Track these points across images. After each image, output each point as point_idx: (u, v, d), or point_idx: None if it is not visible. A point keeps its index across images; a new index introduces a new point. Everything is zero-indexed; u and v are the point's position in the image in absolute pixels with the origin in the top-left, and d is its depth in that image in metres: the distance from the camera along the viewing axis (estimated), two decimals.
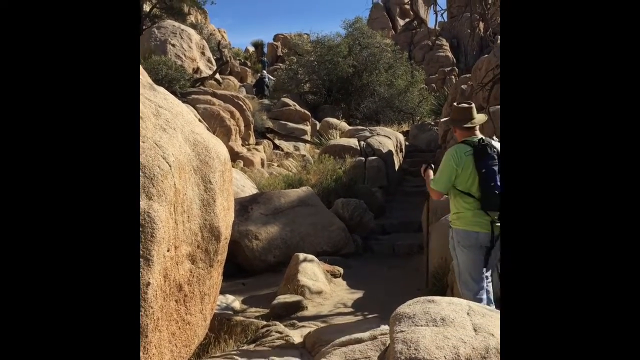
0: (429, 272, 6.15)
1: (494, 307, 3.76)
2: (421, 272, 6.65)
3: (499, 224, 3.77)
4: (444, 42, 34.89)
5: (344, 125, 17.10)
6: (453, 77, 29.81)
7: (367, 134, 12.85)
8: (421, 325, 2.39)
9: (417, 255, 7.80)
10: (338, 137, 14.19)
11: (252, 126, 14.02)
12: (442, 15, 43.67)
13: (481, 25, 35.75)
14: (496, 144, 3.93)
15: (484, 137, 3.92)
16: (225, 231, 2.99)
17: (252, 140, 14.07)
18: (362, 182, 10.66)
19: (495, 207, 3.74)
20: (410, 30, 38.42)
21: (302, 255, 6.25)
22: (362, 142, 12.30)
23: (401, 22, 41.04)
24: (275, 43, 38.68)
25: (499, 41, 23.55)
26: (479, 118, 4.03)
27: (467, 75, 12.52)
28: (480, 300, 3.79)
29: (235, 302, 5.74)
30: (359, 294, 6.19)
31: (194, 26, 25.54)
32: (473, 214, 3.83)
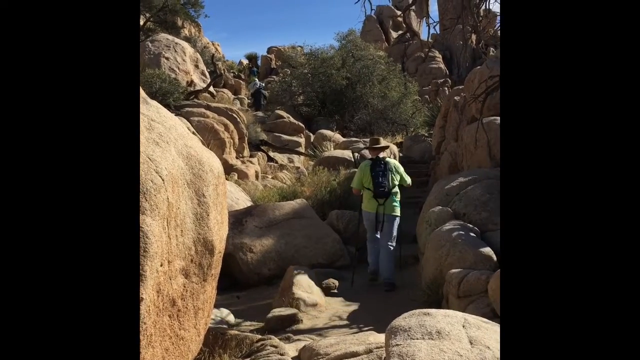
0: (423, 283, 6.14)
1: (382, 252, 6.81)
2: (416, 283, 6.64)
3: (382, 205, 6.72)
4: (437, 54, 35.08)
5: (338, 137, 17.13)
6: (446, 88, 29.94)
7: (361, 145, 12.89)
8: (417, 339, 2.38)
9: (412, 267, 7.78)
10: (332, 148, 14.22)
11: (246, 138, 14.03)
12: (434, 27, 43.85)
13: (473, 37, 36.01)
14: (388, 160, 7.00)
15: (379, 157, 6.95)
16: (219, 245, 2.97)
17: (247, 152, 14.07)
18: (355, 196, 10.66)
19: (380, 196, 6.70)
20: (403, 42, 38.63)
21: (296, 268, 6.23)
22: (356, 154, 12.32)
23: (394, 35, 41.27)
24: (269, 55, 38.78)
25: (491, 53, 23.69)
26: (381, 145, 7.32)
27: (460, 87, 12.58)
28: (373, 244, 6.97)
29: (230, 315, 5.70)
30: (354, 306, 6.16)
31: (187, 39, 25.61)
32: (369, 200, 6.82)
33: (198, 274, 2.73)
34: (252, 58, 40.37)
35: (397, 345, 2.35)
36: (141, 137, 2.43)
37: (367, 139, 14.50)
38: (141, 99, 2.63)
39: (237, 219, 7.59)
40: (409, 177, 7.12)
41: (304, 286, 6.03)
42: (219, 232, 2.95)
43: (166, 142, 2.53)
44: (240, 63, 38.27)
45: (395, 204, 6.82)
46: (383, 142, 7.35)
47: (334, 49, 22.76)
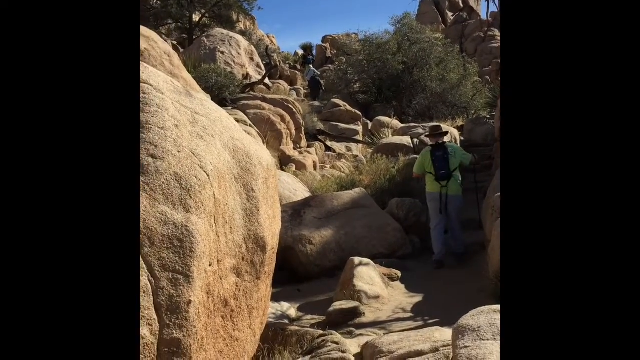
0: (491, 272, 5.85)
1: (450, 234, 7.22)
2: (483, 272, 6.34)
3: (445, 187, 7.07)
4: (497, 32, 33.93)
5: (395, 123, 16.80)
6: None
7: (420, 130, 12.55)
8: (487, 339, 2.17)
9: (478, 255, 7.46)
10: (390, 135, 13.93)
11: (303, 129, 13.94)
12: (494, 2, 42.54)
13: None
14: (448, 144, 7.41)
15: (439, 142, 7.31)
16: (272, 241, 2.84)
17: (304, 143, 13.99)
18: (416, 181, 10.37)
19: (442, 178, 7.09)
20: (460, 22, 37.62)
21: (357, 259, 6.06)
22: (415, 140, 12.00)
23: (451, 16, 40.27)
24: (324, 45, 38.64)
25: None
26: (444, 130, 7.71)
27: None
28: (437, 228, 7.14)
29: (291, 309, 5.61)
30: (418, 298, 5.94)
31: (242, 33, 25.80)
32: (432, 182, 7.19)
33: (250, 272, 2.61)
34: (307, 48, 40.34)
35: (466, 347, 2.15)
36: (184, 131, 2.32)
37: (427, 124, 14.14)
38: (184, 92, 2.52)
39: (296, 211, 7.49)
40: (468, 156, 7.44)
41: (365, 278, 5.86)
42: (271, 228, 2.82)
43: (211, 136, 2.41)
44: (296, 54, 38.28)
45: (457, 185, 7.21)
46: (442, 129, 7.72)
47: (389, 34, 22.34)
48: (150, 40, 8.57)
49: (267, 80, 17.28)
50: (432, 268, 7.05)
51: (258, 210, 2.64)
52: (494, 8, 39.62)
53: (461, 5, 41.13)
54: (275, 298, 6.20)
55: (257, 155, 2.72)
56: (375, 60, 21.01)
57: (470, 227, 8.75)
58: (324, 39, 40.04)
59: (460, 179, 7.31)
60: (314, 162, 12.87)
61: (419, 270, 6.93)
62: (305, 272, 7.04)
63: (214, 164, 2.33)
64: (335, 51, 34.19)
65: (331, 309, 5.33)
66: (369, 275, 5.92)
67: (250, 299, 2.61)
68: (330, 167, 13.56)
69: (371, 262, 6.20)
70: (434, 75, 20.44)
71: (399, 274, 6.52)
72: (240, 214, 2.51)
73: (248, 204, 2.58)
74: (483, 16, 38.12)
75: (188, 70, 13.53)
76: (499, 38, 33.07)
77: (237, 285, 2.50)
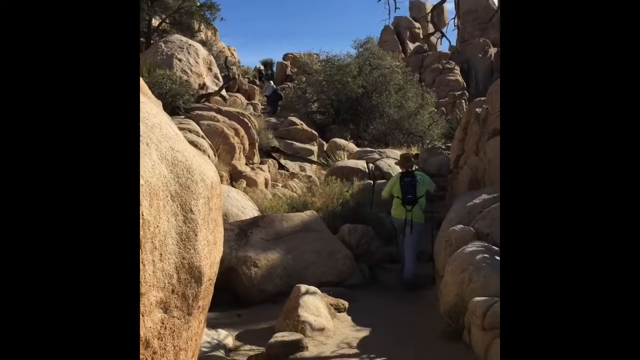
0: (442, 309, 5.60)
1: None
2: (433, 307, 6.09)
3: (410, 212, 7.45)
4: (455, 66, 34.57)
5: (351, 146, 16.62)
6: (464, 101, 29.40)
7: (376, 156, 12.37)
8: None
9: (428, 288, 7.22)
10: (345, 158, 13.70)
11: (257, 144, 13.54)
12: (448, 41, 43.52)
13: (492, 49, 35.47)
14: (416, 172, 7.93)
15: (408, 170, 7.85)
16: (209, 271, 2.46)
17: (257, 159, 13.59)
18: (370, 207, 10.13)
19: (408, 203, 7.47)
20: (420, 53, 38.17)
21: (303, 287, 5.70)
22: (370, 165, 11.79)
23: (411, 46, 40.84)
24: (284, 62, 38.39)
25: None
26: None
27: (482, 99, 12.00)
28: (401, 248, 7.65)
29: (229, 337, 5.18)
30: (365, 332, 5.61)
31: (203, 43, 25.26)
32: (397, 206, 7.61)
33: (181, 306, 2.22)
34: (267, 64, 40.04)
35: None
36: None
37: (382, 150, 14.02)
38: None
39: (242, 230, 7.08)
40: (433, 184, 8.07)
41: (311, 308, 5.50)
42: (210, 256, 2.44)
43: (145, 144, 2.03)
44: (256, 69, 37.89)
45: (420, 212, 7.58)
46: (412, 160, 8.35)
47: (350, 57, 22.28)
48: None
49: (224, 92, 16.83)
50: (381, 300, 6.76)
51: (196, 235, 2.26)
52: (450, 43, 40.37)
53: (421, 36, 41.82)
54: (213, 324, 5.76)
55: (200, 170, 2.35)
56: (335, 82, 20.88)
57: (422, 258, 8.54)
58: (285, 57, 39.83)
59: (423, 207, 7.64)
60: (265, 179, 12.48)
61: (368, 301, 6.61)
62: (248, 296, 6.63)
63: (146, 178, 1.95)
64: (295, 69, 33.97)
65: (272, 340, 4.94)
66: (315, 305, 5.57)
67: (178, 339, 2.22)
68: (283, 186, 13.19)
69: (318, 290, 5.85)
70: (392, 102, 20.45)
71: (347, 304, 6.19)
72: (173, 239, 2.13)
73: (184, 227, 2.20)
74: (442, 49, 38.84)
75: (142, 74, 12.99)
76: (456, 71, 33.72)
77: (162, 323, 2.11)
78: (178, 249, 2.18)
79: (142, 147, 2.01)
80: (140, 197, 1.91)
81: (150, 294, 2.01)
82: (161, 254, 2.06)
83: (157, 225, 2.03)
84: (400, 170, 8.24)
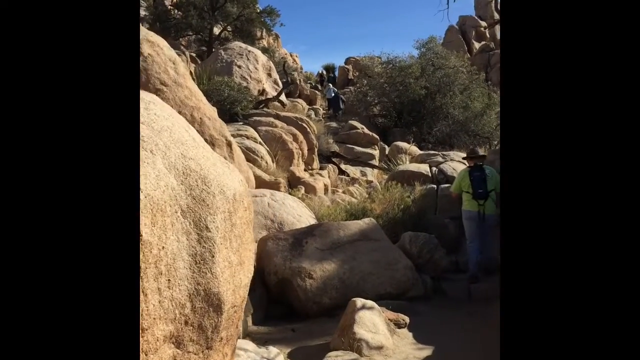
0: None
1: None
2: None
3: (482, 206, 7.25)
4: None
5: (414, 149, 16.08)
6: None
7: (440, 159, 11.80)
8: None
9: (497, 300, 6.66)
10: (407, 162, 13.19)
11: (316, 150, 13.29)
12: None
13: None
14: (486, 167, 7.60)
15: (477, 163, 7.58)
16: (233, 297, 2.12)
17: (316, 164, 13.32)
18: (433, 213, 9.61)
19: (480, 197, 7.25)
20: (487, 52, 37.01)
21: (359, 302, 5.30)
22: (434, 168, 11.25)
23: (477, 45, 39.69)
24: (346, 66, 38.16)
25: None
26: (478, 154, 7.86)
27: None
28: (472, 244, 7.35)
29: (280, 356, 4.85)
30: (427, 351, 5.15)
31: (265, 50, 25.36)
32: (469, 200, 7.37)
33: (197, 340, 1.90)
34: (329, 68, 39.94)
35: None
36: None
37: (447, 153, 13.41)
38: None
39: (297, 240, 6.76)
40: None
41: (368, 324, 5.10)
42: (234, 279, 2.10)
43: (149, 151, 1.73)
44: (319, 74, 37.82)
45: (493, 205, 7.35)
46: (480, 152, 8.13)
47: (412, 58, 21.70)
48: (156, 45, 7.99)
49: (283, 98, 16.69)
50: (445, 314, 6.27)
51: (213, 257, 1.93)
52: None
53: (487, 35, 40.58)
54: (265, 340, 5.47)
55: (218, 180, 2.02)
56: (396, 84, 20.38)
57: (491, 266, 7.97)
58: (347, 61, 39.63)
59: (495, 201, 7.40)
60: (325, 185, 12.17)
61: (431, 316, 6.14)
62: (303, 309, 6.30)
63: (147, 192, 1.64)
64: (357, 73, 33.63)
65: None
66: (372, 321, 5.16)
67: None
68: (343, 192, 12.85)
69: (376, 305, 5.43)
70: (457, 103, 19.73)
71: (407, 320, 5.74)
72: (185, 262, 1.82)
73: (199, 247, 1.88)
74: None
75: (201, 82, 13.00)
76: None
77: None
78: (191, 273, 1.86)
79: (145, 154, 1.70)
80: (140, 215, 1.59)
81: (156, 328, 1.70)
82: (169, 279, 1.75)
83: (163, 247, 1.71)
84: (467, 165, 7.91)
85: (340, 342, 4.99)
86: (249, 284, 2.44)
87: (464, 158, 9.66)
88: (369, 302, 5.38)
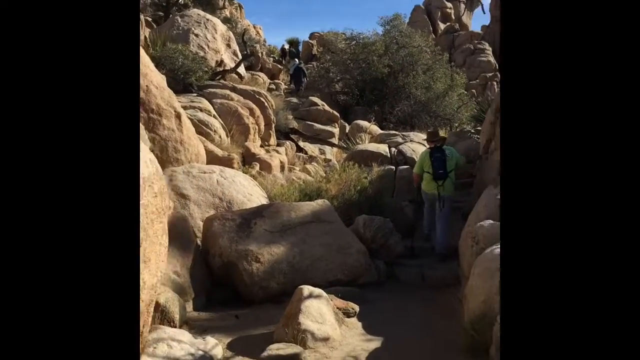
0: (466, 318, 4.83)
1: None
2: (457, 315, 5.33)
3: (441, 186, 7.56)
4: (487, 46, 33.23)
5: (375, 128, 15.80)
6: (495, 83, 28.17)
7: (400, 140, 11.53)
8: None
9: (452, 288, 6.45)
10: (367, 141, 12.90)
11: (273, 125, 12.83)
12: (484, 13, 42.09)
13: None
14: (445, 147, 7.93)
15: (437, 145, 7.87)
16: None
17: (273, 141, 12.89)
18: (390, 195, 9.35)
19: (439, 178, 7.56)
20: (451, 33, 36.87)
21: (306, 290, 4.97)
22: (393, 149, 10.98)
23: (442, 26, 39.51)
24: (310, 41, 37.45)
25: None
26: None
27: None
28: (430, 214, 7.85)
29: (218, 347, 4.48)
30: (376, 343, 4.88)
31: (227, 20, 24.51)
32: (429, 182, 7.67)
33: None
34: (293, 43, 39.16)
35: None
36: None
37: (407, 133, 13.15)
38: None
39: (245, 220, 6.39)
40: (462, 157, 8.35)
41: (314, 314, 4.79)
42: None
43: None
44: (282, 48, 37.06)
45: (451, 186, 7.75)
46: (440, 135, 8.52)
47: (377, 35, 21.30)
48: None
49: (242, 70, 16.09)
50: (397, 302, 6.02)
51: None
52: (485, 22, 39.00)
53: (453, 17, 40.46)
54: (205, 328, 5.10)
55: None
56: (360, 61, 19.98)
57: (449, 250, 7.77)
58: (312, 36, 38.88)
59: (454, 181, 7.84)
60: (281, 162, 11.76)
61: (382, 304, 5.88)
62: (248, 294, 5.95)
63: None
64: (321, 48, 33.05)
65: (265, 354, 4.25)
66: (319, 311, 4.85)
67: None
68: (300, 170, 12.48)
69: (324, 293, 5.12)
70: (419, 83, 19.48)
71: (357, 309, 5.46)
72: None
73: None
74: (473, 29, 37.48)
75: (154, 49, 12.32)
76: (488, 51, 32.39)
77: None
78: None
79: None
80: None
81: None
82: None
83: None
84: (428, 146, 8.21)
85: (284, 332, 4.67)
86: (157, 284, 2.07)
87: (425, 139, 9.73)
88: (317, 290, 5.06)
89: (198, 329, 5.06)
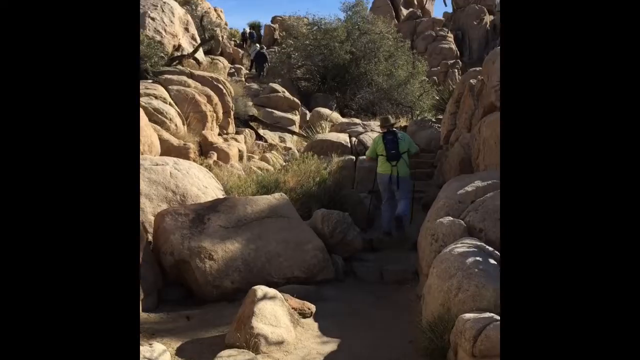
0: (424, 320, 4.73)
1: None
2: (415, 315, 5.22)
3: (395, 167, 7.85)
4: (448, 33, 33.36)
5: (336, 116, 15.62)
6: (456, 70, 28.32)
7: (360, 129, 11.36)
8: None
9: (411, 284, 6.37)
10: (328, 129, 12.71)
11: (232, 113, 12.51)
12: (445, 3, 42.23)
13: (488, 17, 34.22)
14: (397, 131, 8.39)
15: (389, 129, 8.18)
16: None
17: (232, 129, 12.58)
18: (350, 186, 9.21)
19: (393, 158, 7.85)
20: (414, 19, 36.87)
21: (260, 290, 4.78)
22: (353, 139, 10.82)
23: (405, 12, 39.46)
24: (273, 25, 36.94)
25: None
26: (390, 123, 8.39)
27: (477, 69, 11.00)
28: (386, 205, 8.04)
29: (165, 354, 4.25)
30: (332, 345, 4.74)
31: (187, 2, 23.88)
32: (383, 163, 7.94)
33: None
34: (255, 27, 38.54)
35: None
36: None
37: (367, 122, 13.01)
38: None
39: (199, 216, 6.13)
40: (415, 146, 8.45)
41: (268, 316, 4.60)
42: None
43: None
44: (243, 32, 36.42)
45: (406, 167, 7.97)
46: (391, 121, 8.64)
47: (339, 20, 21.05)
48: None
49: (200, 55, 15.66)
50: (355, 299, 5.89)
51: None
52: (447, 9, 39.09)
53: (415, 2, 40.45)
54: (154, 331, 4.87)
55: None
56: (321, 47, 19.71)
57: (404, 246, 7.69)
58: (274, 20, 38.35)
59: (408, 163, 8.02)
60: (240, 151, 11.49)
61: (340, 302, 5.73)
62: (201, 293, 5.73)
63: None
64: (283, 33, 32.61)
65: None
66: (273, 313, 4.67)
67: None
68: (260, 159, 12.23)
69: (278, 294, 4.94)
70: (381, 70, 19.35)
71: (313, 309, 5.30)
72: None
73: None
74: (436, 15, 37.57)
75: None
76: (450, 39, 32.51)
77: None
78: None
79: None
80: None
81: None
82: None
83: None
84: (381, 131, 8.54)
85: (236, 337, 4.47)
86: None
87: (378, 125, 9.88)
88: (271, 291, 4.88)
89: (147, 332, 4.82)
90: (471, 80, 10.17)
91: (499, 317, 4.04)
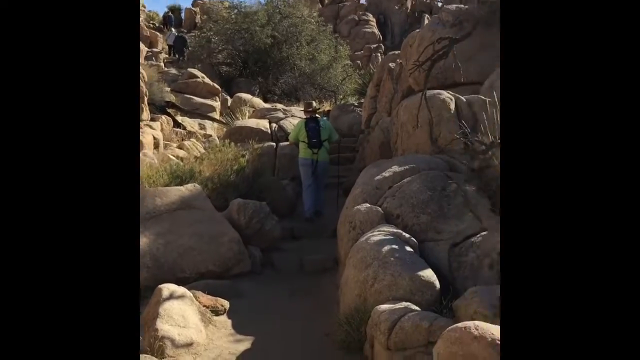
0: (341, 311, 4.57)
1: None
2: (333, 307, 5.06)
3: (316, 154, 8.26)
4: (371, 17, 33.47)
5: (258, 101, 15.27)
6: (379, 54, 28.46)
7: (281, 115, 11.10)
8: None
9: (330, 273, 6.21)
10: (247, 116, 12.36)
11: (146, 99, 11.91)
12: None
13: (408, 1, 34.61)
14: (319, 118, 8.69)
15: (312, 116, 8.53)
16: None
17: (147, 115, 11.99)
18: (271, 174, 8.95)
19: (314, 146, 8.23)
20: (337, 3, 36.75)
21: (166, 290, 4.46)
22: (273, 125, 10.54)
23: None
24: (194, 9, 35.86)
25: (425, 20, 22.17)
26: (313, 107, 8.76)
27: (396, 52, 10.96)
28: (309, 189, 8.32)
29: None
30: (246, 344, 4.49)
31: None
32: (305, 149, 8.27)
33: None
34: (175, 10, 37.31)
35: None
36: None
37: (287, 108, 12.78)
38: None
39: None
40: (336, 134, 8.88)
41: (175, 317, 4.29)
42: None
43: None
44: (164, 16, 35.15)
45: (325, 153, 8.41)
46: (314, 105, 9.04)
47: (260, 4, 20.61)
48: None
49: None
50: (273, 292, 5.67)
51: None
52: None
53: None
54: None
55: None
56: (242, 31, 19.21)
57: (325, 233, 7.55)
58: (195, 3, 37.22)
59: (328, 149, 8.49)
60: (155, 139, 10.98)
61: (255, 297, 5.49)
62: None
63: None
64: (205, 17, 31.70)
65: None
66: (181, 313, 4.36)
67: None
68: (177, 147, 11.75)
69: (187, 292, 4.63)
70: (303, 54, 19.11)
71: (227, 305, 5.03)
72: None
73: None
74: None
75: None
76: (372, 23, 32.64)
77: None
78: None
79: None
80: None
81: None
82: None
83: None
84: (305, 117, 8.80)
85: (141, 340, 4.14)
86: None
87: (301, 110, 9.78)
88: (179, 290, 4.57)
89: None
90: (390, 64, 10.12)
91: (414, 307, 3.94)
